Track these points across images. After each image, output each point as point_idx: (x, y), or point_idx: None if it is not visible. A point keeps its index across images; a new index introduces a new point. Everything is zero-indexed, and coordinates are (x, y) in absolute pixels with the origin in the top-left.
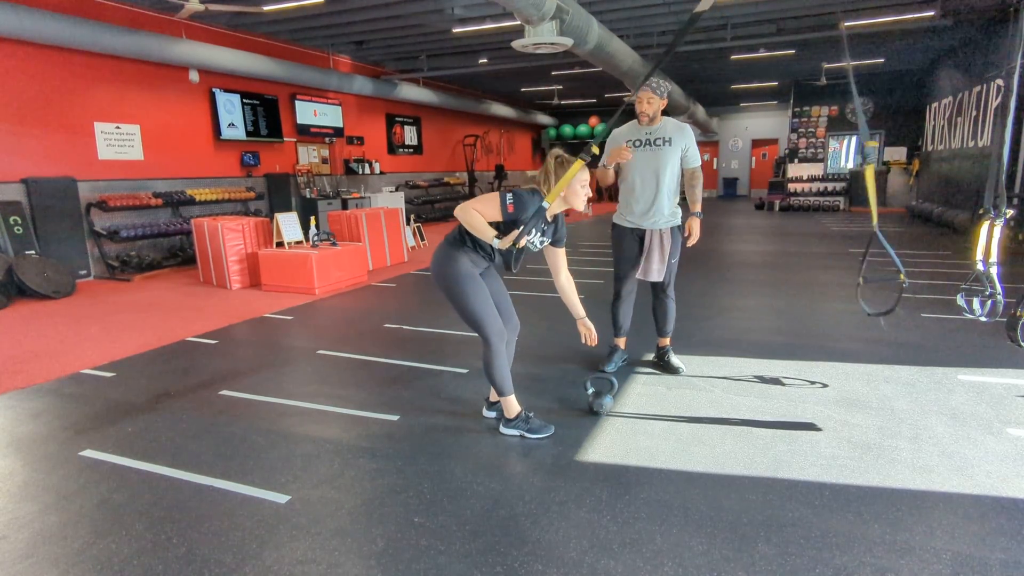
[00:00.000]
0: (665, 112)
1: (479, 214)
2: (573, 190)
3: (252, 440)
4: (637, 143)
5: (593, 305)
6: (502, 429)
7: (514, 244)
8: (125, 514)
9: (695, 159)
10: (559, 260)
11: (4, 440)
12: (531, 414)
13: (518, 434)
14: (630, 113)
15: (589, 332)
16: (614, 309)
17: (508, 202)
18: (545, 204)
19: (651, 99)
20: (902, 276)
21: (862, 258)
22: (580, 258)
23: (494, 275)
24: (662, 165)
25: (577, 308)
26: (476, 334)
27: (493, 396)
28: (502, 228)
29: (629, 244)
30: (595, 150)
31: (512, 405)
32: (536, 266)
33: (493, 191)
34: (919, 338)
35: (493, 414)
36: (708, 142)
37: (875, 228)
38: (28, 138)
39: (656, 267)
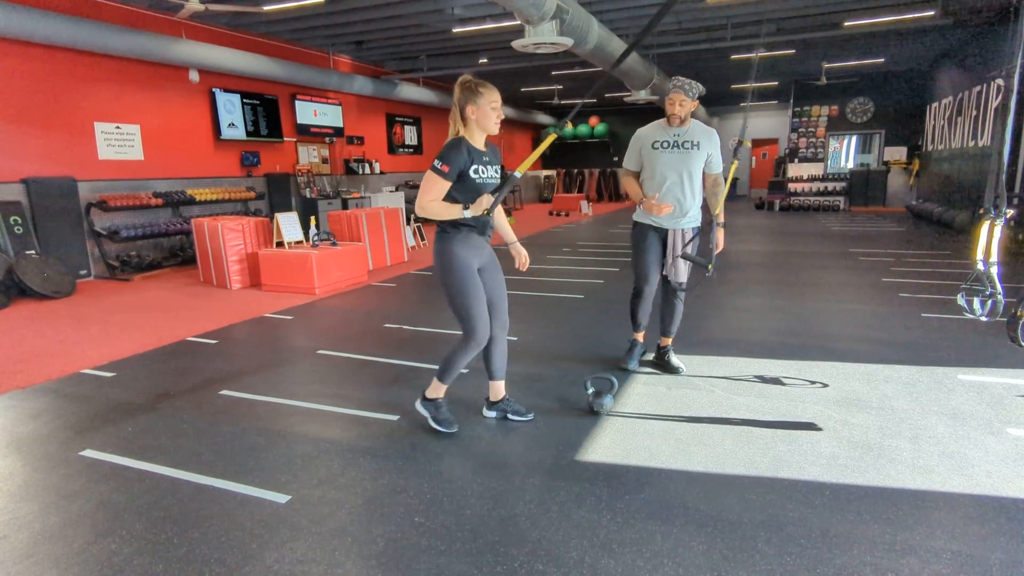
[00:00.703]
0: (661, 111)
1: (434, 201)
2: (484, 112)
3: (252, 440)
4: (665, 144)
5: (593, 305)
6: (416, 405)
7: (487, 212)
8: (125, 514)
9: (719, 165)
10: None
11: (4, 440)
12: (443, 406)
13: (425, 415)
14: (637, 110)
15: (520, 256)
16: (633, 306)
17: (441, 166)
18: (517, 173)
19: (683, 101)
20: (710, 267)
21: (693, 235)
22: (580, 258)
23: (495, 269)
24: (690, 167)
25: (509, 234)
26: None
27: (493, 395)
28: (458, 186)
29: (652, 242)
30: (569, 126)
31: (438, 389)
32: (535, 266)
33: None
34: (919, 338)
35: (493, 414)
36: None
37: (716, 217)
38: (28, 138)
39: (682, 267)
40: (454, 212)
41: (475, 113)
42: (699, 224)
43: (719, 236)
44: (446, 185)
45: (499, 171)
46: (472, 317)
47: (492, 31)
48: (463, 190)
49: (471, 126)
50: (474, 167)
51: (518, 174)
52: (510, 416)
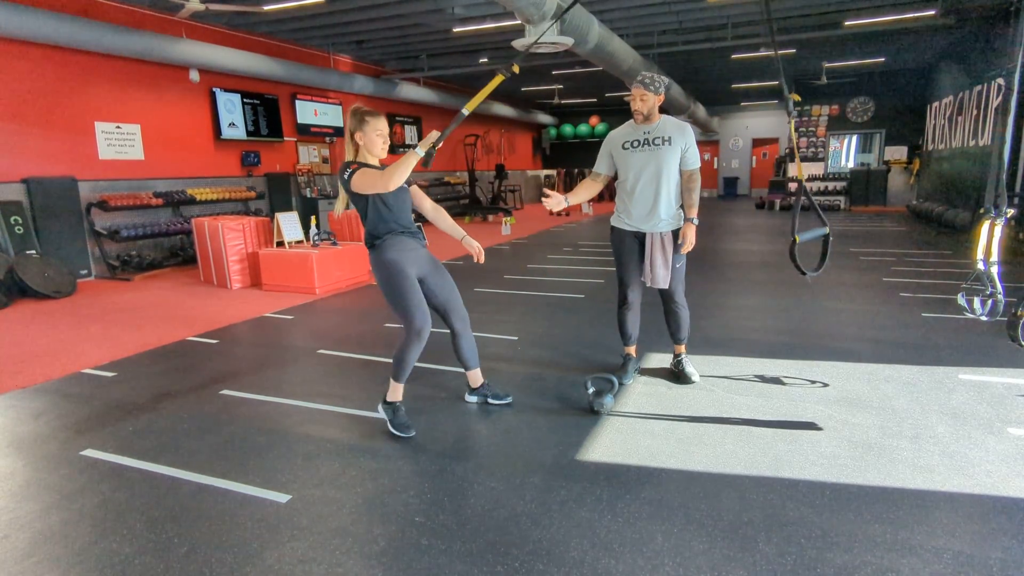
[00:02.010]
0: (664, 111)
1: (388, 168)
2: (370, 139)
3: (253, 440)
4: (635, 143)
5: (594, 304)
6: (378, 407)
7: (435, 144)
8: (126, 513)
9: (694, 160)
10: (418, 197)
11: (5, 440)
12: (402, 409)
13: (384, 418)
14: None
15: (472, 248)
16: (620, 317)
17: (351, 168)
18: (465, 111)
19: (644, 96)
20: (827, 229)
21: (793, 215)
22: (580, 258)
23: (438, 271)
24: (662, 165)
25: (457, 230)
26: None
27: (472, 383)
28: (359, 198)
29: (631, 247)
30: (515, 69)
31: (396, 392)
32: (535, 266)
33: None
34: (920, 337)
35: (474, 399)
36: (708, 141)
37: (802, 181)
38: (29, 138)
39: (661, 273)
40: (409, 159)
41: (362, 139)
42: (680, 226)
43: (689, 233)
44: (373, 169)
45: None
46: (408, 309)
47: (492, 31)
48: (367, 199)
49: (362, 151)
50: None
51: (466, 112)
52: (490, 400)
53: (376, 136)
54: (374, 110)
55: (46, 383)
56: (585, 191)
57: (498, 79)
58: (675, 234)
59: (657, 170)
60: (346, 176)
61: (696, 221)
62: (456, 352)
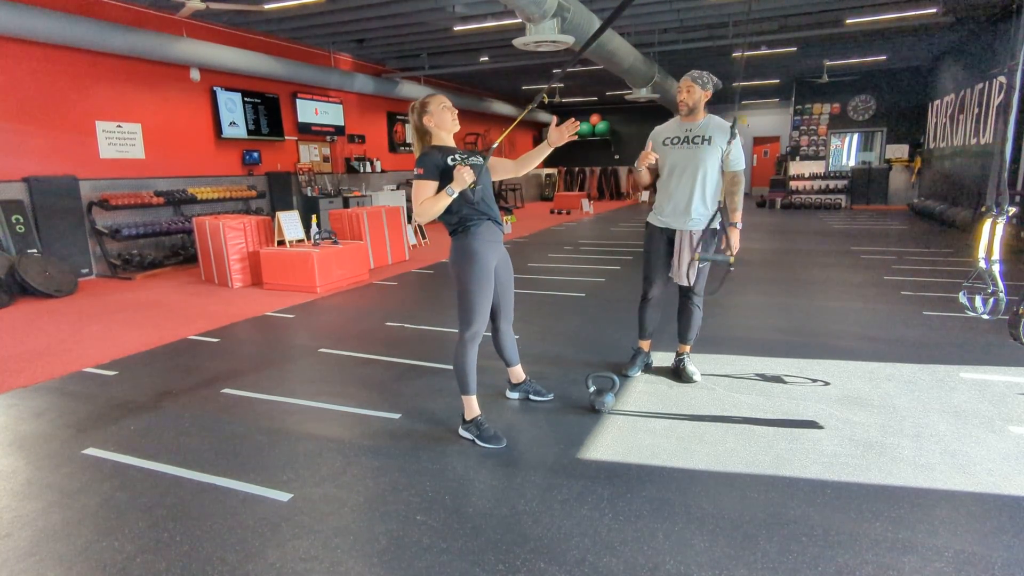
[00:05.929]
0: (665, 108)
1: (426, 201)
2: (439, 115)
3: (254, 438)
4: (675, 140)
5: (595, 303)
6: (459, 431)
7: (475, 183)
8: (128, 512)
9: (738, 162)
10: (500, 167)
11: (7, 439)
12: (485, 422)
13: (471, 438)
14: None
15: (562, 132)
16: (640, 311)
17: (417, 171)
18: (495, 145)
19: (691, 88)
20: (731, 262)
21: (704, 236)
22: (581, 256)
23: (507, 267)
24: (699, 164)
25: (541, 149)
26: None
27: (514, 379)
28: (446, 182)
29: (658, 244)
30: (544, 99)
31: (471, 407)
32: (536, 264)
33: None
34: (921, 336)
35: (516, 395)
36: None
37: (730, 216)
38: (30, 137)
39: (686, 271)
40: (442, 199)
41: (432, 120)
42: (715, 225)
43: (734, 238)
44: (430, 185)
45: (479, 160)
46: (475, 312)
47: (493, 29)
48: (442, 185)
49: (434, 134)
50: (451, 158)
51: (495, 145)
52: (531, 396)
53: (443, 109)
54: (428, 93)
55: (48, 382)
56: (643, 174)
57: (529, 110)
58: (706, 233)
59: (694, 169)
60: (416, 172)
61: (740, 225)
62: (498, 348)
